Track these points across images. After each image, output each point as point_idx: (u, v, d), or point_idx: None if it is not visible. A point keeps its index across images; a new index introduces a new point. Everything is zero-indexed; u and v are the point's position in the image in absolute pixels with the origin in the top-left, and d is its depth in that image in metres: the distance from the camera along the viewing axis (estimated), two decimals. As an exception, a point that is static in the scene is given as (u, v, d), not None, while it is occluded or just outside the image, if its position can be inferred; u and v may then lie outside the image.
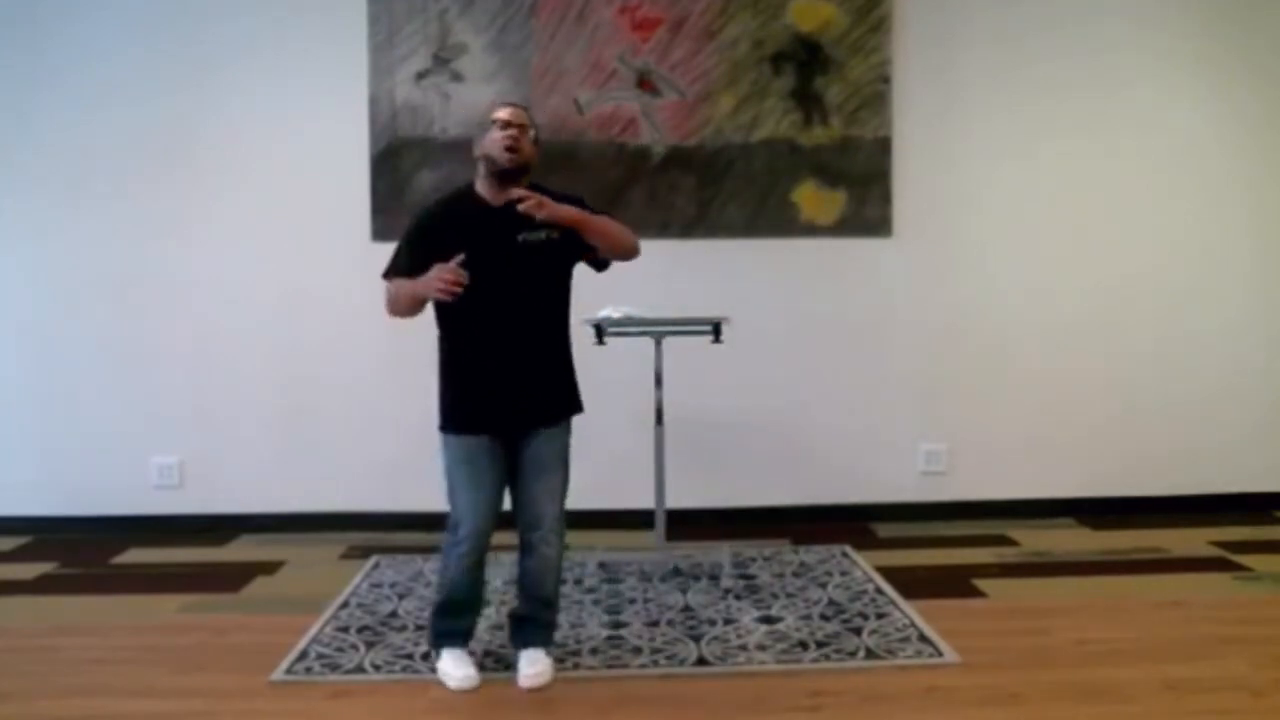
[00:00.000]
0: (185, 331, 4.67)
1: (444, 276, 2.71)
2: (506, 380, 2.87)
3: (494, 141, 2.83)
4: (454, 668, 2.92)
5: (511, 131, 2.82)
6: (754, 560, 4.09)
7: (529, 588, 3.01)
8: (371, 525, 4.63)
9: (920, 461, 4.80)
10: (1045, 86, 4.75)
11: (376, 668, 3.03)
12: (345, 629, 3.35)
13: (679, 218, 4.66)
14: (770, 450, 4.73)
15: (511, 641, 3.07)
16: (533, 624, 3.03)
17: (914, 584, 3.75)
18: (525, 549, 2.98)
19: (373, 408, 4.69)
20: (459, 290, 2.71)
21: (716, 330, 3.79)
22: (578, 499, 4.57)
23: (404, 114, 4.64)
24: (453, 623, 2.99)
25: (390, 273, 2.94)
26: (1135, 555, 4.17)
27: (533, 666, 2.94)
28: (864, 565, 4.00)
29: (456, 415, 2.90)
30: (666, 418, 3.91)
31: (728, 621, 3.37)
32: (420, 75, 4.64)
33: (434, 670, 2.96)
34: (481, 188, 2.91)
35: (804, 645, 3.15)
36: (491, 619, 3.42)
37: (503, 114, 2.86)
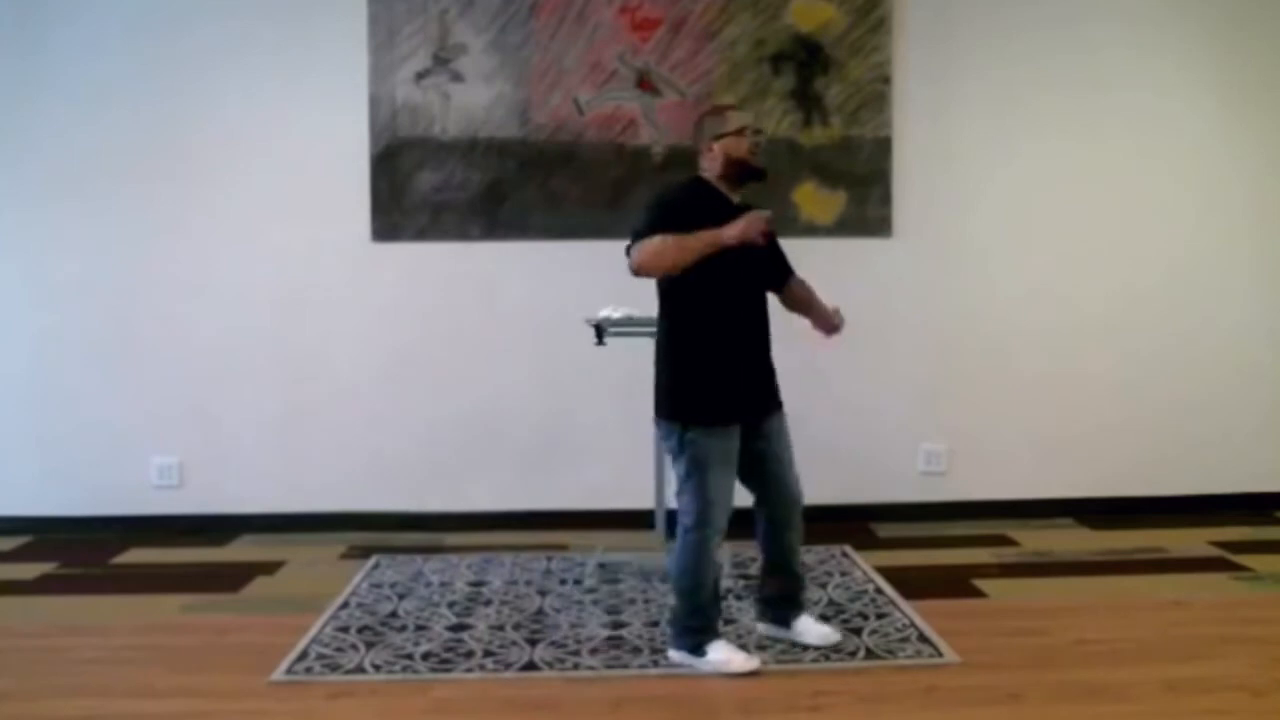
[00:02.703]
0: (185, 331, 4.67)
1: (759, 221, 2.84)
2: (754, 368, 3.06)
3: (746, 147, 2.99)
4: (732, 653, 3.00)
5: (757, 138, 3.05)
6: (754, 560, 4.07)
7: (791, 559, 3.16)
8: (371, 525, 4.63)
9: (920, 461, 4.80)
10: (1045, 86, 4.75)
11: (376, 668, 3.02)
12: (345, 629, 3.35)
13: (679, 218, 4.66)
14: (770, 450, 4.72)
15: (782, 617, 3.18)
16: (799, 590, 3.22)
17: (914, 584, 3.75)
18: (786, 523, 3.11)
19: (373, 408, 4.69)
20: (768, 234, 2.91)
21: (717, 330, 3.78)
22: (578, 499, 4.66)
23: (404, 114, 4.64)
24: (714, 614, 3.05)
25: (653, 233, 2.87)
26: (1135, 555, 4.17)
27: (823, 626, 3.18)
28: (864, 565, 4.00)
29: (714, 407, 2.96)
30: (666, 418, 3.89)
31: (728, 621, 3.35)
32: (420, 75, 4.64)
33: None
34: (721, 183, 3.02)
35: (804, 645, 3.15)
36: (491, 619, 3.42)
37: (749, 120, 3.05)
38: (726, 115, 3.03)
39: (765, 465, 3.08)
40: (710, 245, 2.83)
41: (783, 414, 3.14)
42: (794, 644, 3.14)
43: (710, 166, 3.02)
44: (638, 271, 2.90)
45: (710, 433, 2.95)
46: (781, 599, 3.19)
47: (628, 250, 2.93)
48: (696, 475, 2.96)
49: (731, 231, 2.83)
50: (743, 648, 3.12)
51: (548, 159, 4.67)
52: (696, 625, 3.01)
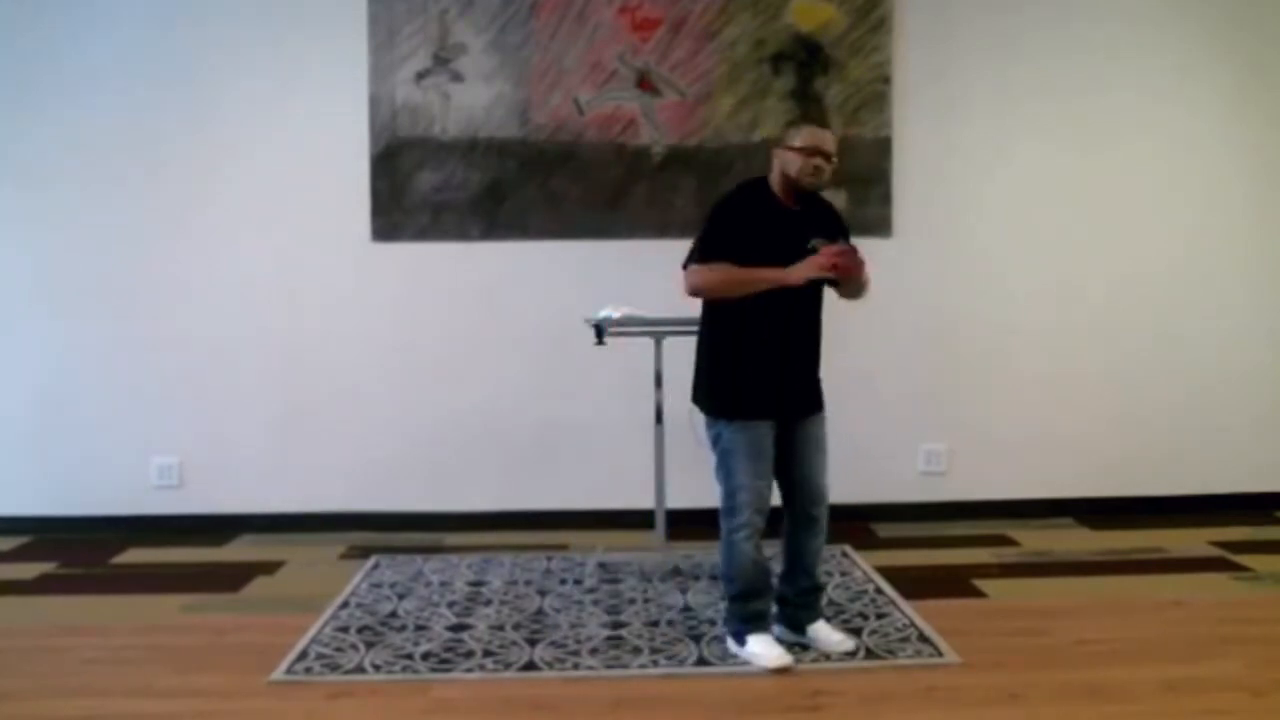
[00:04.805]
0: (185, 331, 4.67)
1: (829, 257, 2.88)
2: (791, 370, 3.06)
3: (799, 168, 3.00)
4: (767, 648, 3.02)
5: (818, 162, 2.99)
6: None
7: (809, 562, 3.15)
8: (371, 525, 4.64)
9: (920, 461, 4.80)
10: (1045, 86, 4.75)
11: (376, 668, 3.02)
12: (345, 629, 3.35)
13: (679, 218, 4.65)
14: (770, 450, 4.72)
15: (795, 620, 3.17)
16: (816, 596, 3.21)
17: (914, 584, 3.75)
18: (805, 523, 3.12)
19: (373, 408, 4.69)
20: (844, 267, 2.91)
21: (716, 330, 3.78)
22: (578, 499, 4.66)
23: (404, 114, 4.64)
24: (758, 606, 3.08)
25: (708, 256, 2.99)
26: (1135, 555, 4.17)
27: (837, 633, 3.16)
28: (864, 565, 4.00)
29: (745, 403, 3.02)
30: (666, 418, 3.90)
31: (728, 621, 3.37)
32: (420, 75, 4.64)
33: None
34: (778, 189, 3.07)
35: (804, 645, 3.14)
36: (491, 619, 3.42)
37: (820, 143, 3.00)
38: (801, 129, 3.04)
39: (790, 466, 3.09)
40: (774, 284, 2.94)
41: (820, 418, 3.13)
42: (805, 647, 3.12)
43: (772, 171, 3.08)
44: (694, 294, 3.04)
45: (740, 427, 3.01)
46: (798, 602, 3.18)
47: (685, 264, 3.03)
48: (723, 466, 3.05)
49: (796, 275, 2.92)
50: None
51: (548, 159, 4.67)
52: (737, 613, 3.09)
